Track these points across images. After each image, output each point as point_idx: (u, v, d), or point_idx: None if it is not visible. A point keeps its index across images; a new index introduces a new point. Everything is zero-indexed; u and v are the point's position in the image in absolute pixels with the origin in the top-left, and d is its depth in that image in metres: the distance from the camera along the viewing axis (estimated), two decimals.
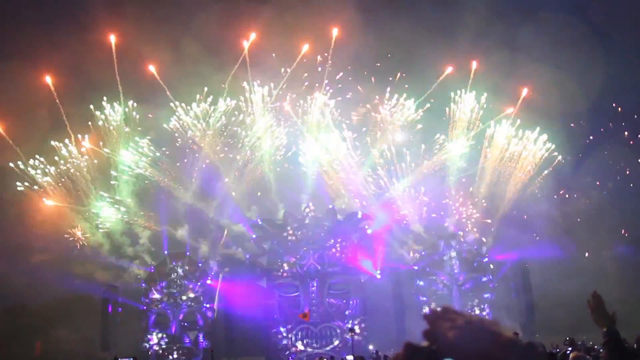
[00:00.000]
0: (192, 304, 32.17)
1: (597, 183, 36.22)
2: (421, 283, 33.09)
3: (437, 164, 34.95)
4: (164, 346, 31.43)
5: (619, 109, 36.23)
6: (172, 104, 33.38)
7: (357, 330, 31.54)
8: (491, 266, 33.60)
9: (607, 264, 34.00)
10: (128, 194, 33.26)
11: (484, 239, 33.93)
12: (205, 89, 33.57)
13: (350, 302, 32.47)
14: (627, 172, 36.27)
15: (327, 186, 34.84)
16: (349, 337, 30.31)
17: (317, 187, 34.72)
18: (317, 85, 34.38)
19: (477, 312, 32.06)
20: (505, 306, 33.00)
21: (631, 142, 36.35)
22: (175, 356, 31.30)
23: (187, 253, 33.07)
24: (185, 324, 31.87)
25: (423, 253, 33.62)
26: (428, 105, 34.56)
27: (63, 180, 32.69)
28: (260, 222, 33.70)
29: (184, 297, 32.12)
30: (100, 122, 33.02)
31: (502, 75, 33.64)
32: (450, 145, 34.56)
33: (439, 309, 1.52)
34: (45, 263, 30.16)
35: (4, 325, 31.21)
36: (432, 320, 1.51)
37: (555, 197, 35.47)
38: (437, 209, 34.86)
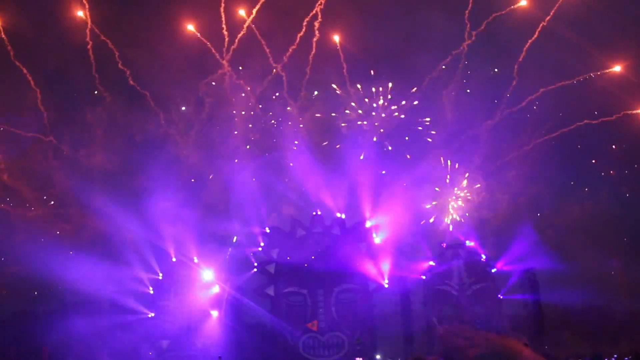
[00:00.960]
0: (200, 311, 32.16)
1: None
2: (429, 292, 32.94)
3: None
4: (172, 353, 31.42)
5: None
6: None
7: (364, 340, 31.50)
8: (499, 276, 33.43)
9: (615, 275, 33.78)
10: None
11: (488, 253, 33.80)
12: None
13: (358, 310, 32.39)
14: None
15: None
16: (356, 346, 30.38)
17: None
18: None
19: (485, 322, 31.90)
20: (513, 316, 32.80)
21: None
22: None
23: (196, 260, 33.11)
24: (194, 332, 31.85)
25: (431, 262, 33.49)
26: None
27: None
28: (268, 230, 33.78)
29: (192, 305, 32.13)
30: None
31: None
32: None
33: (452, 326, 1.48)
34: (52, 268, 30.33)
35: (11, 330, 31.35)
36: (448, 339, 1.49)
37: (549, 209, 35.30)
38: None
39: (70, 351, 30.58)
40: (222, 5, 33.24)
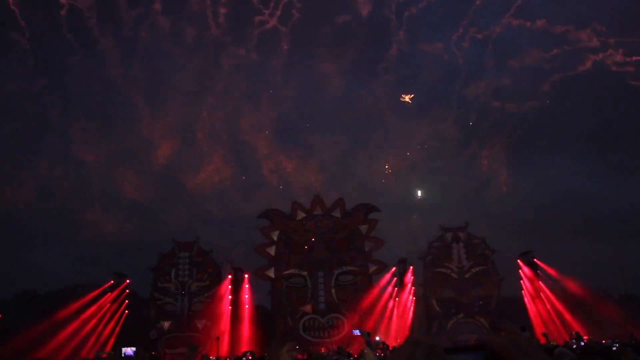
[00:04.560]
0: (201, 292, 32.35)
1: None
2: (429, 274, 33.07)
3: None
4: (172, 334, 31.65)
5: None
6: None
7: (364, 321, 31.65)
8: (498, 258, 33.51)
9: (614, 258, 33.91)
10: None
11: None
12: None
13: (358, 292, 32.53)
14: None
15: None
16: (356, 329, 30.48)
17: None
18: None
19: (484, 304, 32.06)
20: (512, 298, 32.96)
21: None
22: (183, 344, 31.46)
23: (196, 242, 33.24)
24: (194, 312, 32.05)
25: (431, 244, 33.57)
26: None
27: None
28: (269, 212, 33.83)
29: (192, 286, 32.32)
30: None
31: None
32: None
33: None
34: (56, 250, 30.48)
35: (16, 311, 31.55)
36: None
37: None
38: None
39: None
40: None
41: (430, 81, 35.74)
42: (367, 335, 11.34)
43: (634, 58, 33.60)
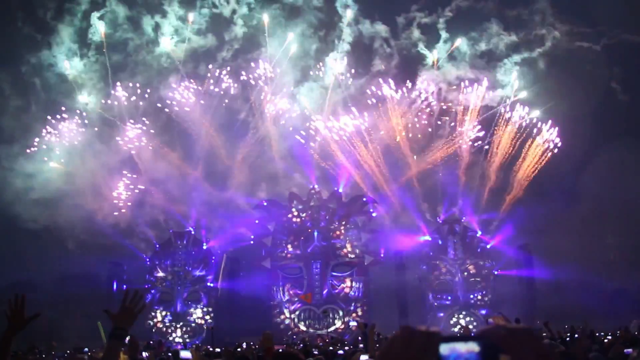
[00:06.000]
0: (196, 282, 32.42)
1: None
2: (424, 267, 33.16)
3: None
4: (167, 324, 31.74)
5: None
6: None
7: (359, 313, 31.76)
8: (494, 252, 33.57)
9: (609, 252, 34.02)
10: None
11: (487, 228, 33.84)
12: None
13: (353, 284, 32.61)
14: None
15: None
16: (351, 319, 30.61)
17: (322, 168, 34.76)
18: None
19: (479, 297, 32.18)
20: (508, 292, 33.07)
21: None
22: (178, 334, 31.61)
23: (192, 232, 33.24)
24: (189, 302, 32.15)
25: (427, 237, 33.61)
26: None
27: None
28: (265, 204, 33.82)
29: (188, 276, 32.37)
30: None
31: None
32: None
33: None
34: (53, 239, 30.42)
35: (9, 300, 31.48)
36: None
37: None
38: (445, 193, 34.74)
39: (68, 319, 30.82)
40: None
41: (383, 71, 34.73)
42: (364, 327, 11.23)
43: (599, 44, 32.97)
